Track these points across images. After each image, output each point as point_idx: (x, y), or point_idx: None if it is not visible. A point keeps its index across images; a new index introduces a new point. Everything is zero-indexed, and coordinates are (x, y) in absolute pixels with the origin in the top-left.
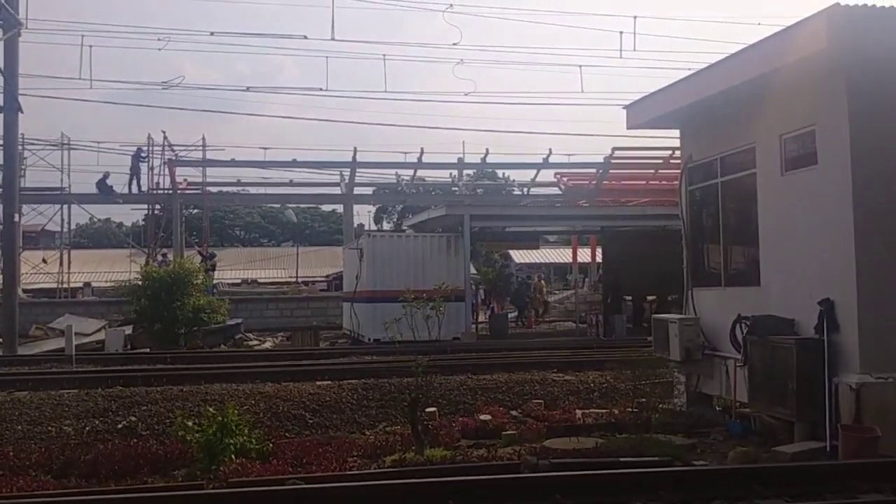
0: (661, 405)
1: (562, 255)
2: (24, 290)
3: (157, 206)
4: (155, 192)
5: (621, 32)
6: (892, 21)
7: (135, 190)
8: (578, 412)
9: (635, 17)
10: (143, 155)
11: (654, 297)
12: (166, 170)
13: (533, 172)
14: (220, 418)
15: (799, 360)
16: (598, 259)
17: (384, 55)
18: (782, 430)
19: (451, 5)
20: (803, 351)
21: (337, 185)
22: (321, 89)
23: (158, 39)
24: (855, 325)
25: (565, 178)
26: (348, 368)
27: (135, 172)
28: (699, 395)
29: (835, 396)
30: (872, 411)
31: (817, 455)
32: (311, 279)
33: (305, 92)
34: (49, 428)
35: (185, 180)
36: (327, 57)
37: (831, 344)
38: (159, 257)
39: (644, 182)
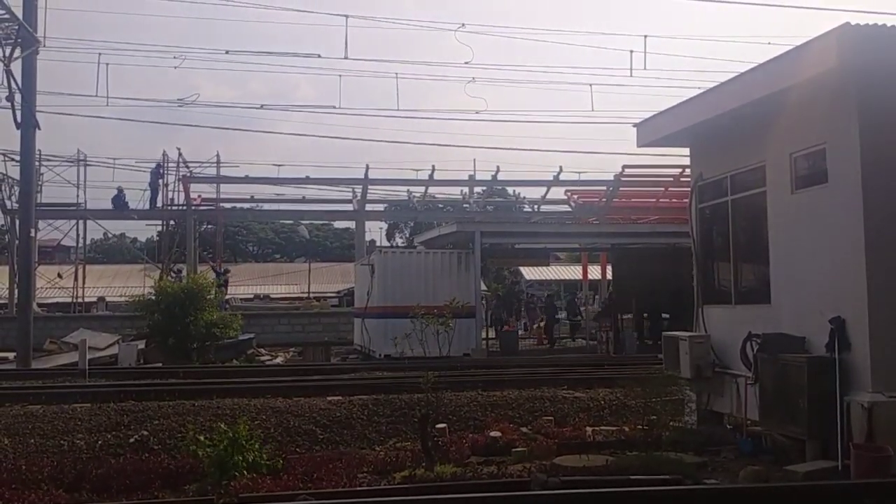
0: (671, 423)
1: (572, 273)
2: (39, 305)
3: (172, 222)
4: (169, 207)
5: (632, 51)
6: None
7: (158, 206)
8: (589, 429)
9: (645, 37)
10: (161, 171)
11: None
12: (181, 186)
13: (543, 190)
14: (231, 433)
15: (810, 379)
16: (609, 276)
17: (397, 73)
18: (794, 448)
19: (464, 24)
20: (814, 369)
21: (349, 201)
22: (334, 107)
23: (174, 57)
24: (866, 344)
25: (576, 196)
26: (359, 384)
27: (155, 188)
28: (710, 413)
29: (846, 415)
30: (884, 430)
31: (829, 474)
32: (322, 295)
33: (319, 110)
34: (61, 442)
35: (199, 196)
36: (340, 75)
37: (843, 362)
38: (173, 273)
39: (654, 200)
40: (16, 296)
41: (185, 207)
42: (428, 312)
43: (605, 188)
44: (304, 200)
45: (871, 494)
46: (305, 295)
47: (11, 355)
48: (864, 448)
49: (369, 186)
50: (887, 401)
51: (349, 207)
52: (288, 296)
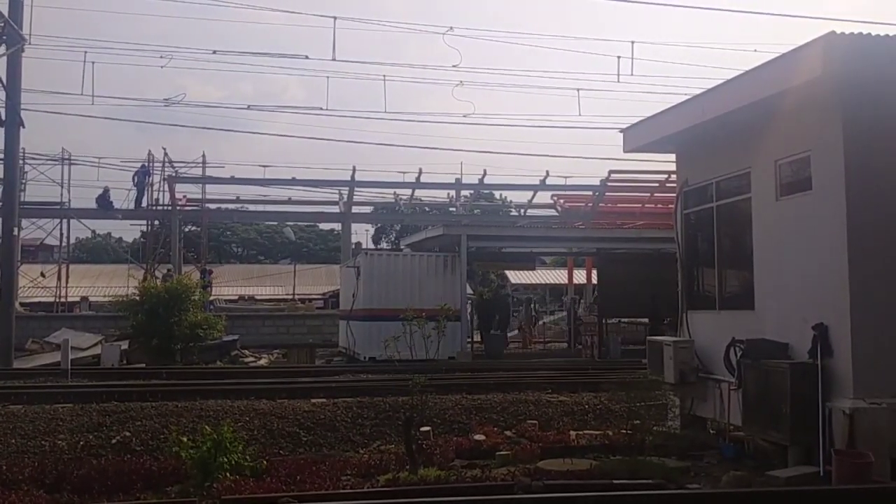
0: (655, 427)
1: (558, 277)
2: (22, 304)
3: (156, 222)
4: (154, 208)
5: (619, 57)
6: (887, 48)
7: (143, 206)
8: (573, 433)
9: (633, 42)
10: (148, 171)
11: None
12: (166, 186)
13: (530, 194)
14: (214, 435)
15: (793, 385)
16: (594, 280)
17: (384, 76)
18: (776, 454)
19: (452, 28)
20: (797, 375)
21: (335, 203)
22: (321, 109)
23: (161, 57)
24: (848, 350)
25: (562, 200)
26: (343, 386)
27: (140, 188)
28: (693, 418)
29: (828, 421)
30: (866, 436)
31: (811, 480)
32: (308, 297)
33: (306, 111)
34: (43, 442)
35: (185, 197)
36: (328, 77)
37: (825, 368)
38: (165, 270)
39: (640, 205)
40: None
41: (169, 208)
42: (417, 315)
43: (591, 193)
44: (289, 202)
45: (852, 500)
46: (290, 297)
47: None
48: (846, 454)
49: (356, 188)
50: (869, 407)
51: (335, 209)
52: (273, 297)
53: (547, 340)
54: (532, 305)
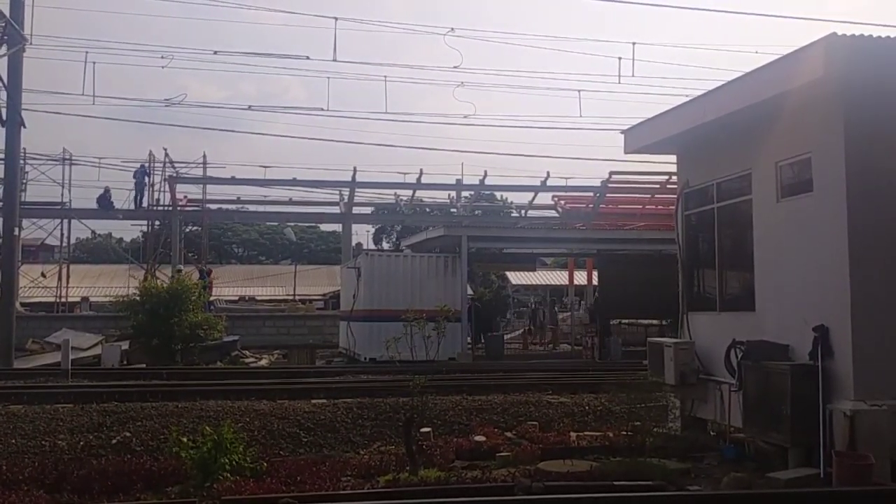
0: (655, 429)
1: (558, 278)
2: (22, 304)
3: (157, 223)
4: (155, 208)
5: (620, 58)
6: (888, 50)
7: (143, 206)
8: (573, 435)
9: (634, 44)
10: (147, 171)
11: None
12: (166, 186)
13: (531, 195)
14: (214, 436)
15: (793, 386)
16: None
17: (385, 77)
18: (776, 455)
19: (453, 29)
20: (798, 377)
21: (336, 204)
22: (322, 109)
23: (162, 57)
24: (849, 352)
25: (563, 201)
26: (344, 387)
27: (140, 189)
28: (693, 420)
29: (829, 423)
30: (866, 438)
31: (811, 482)
32: (308, 297)
33: (307, 112)
34: (43, 442)
35: (185, 197)
36: (329, 77)
37: (826, 370)
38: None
39: (641, 206)
40: None
41: (170, 208)
42: (418, 316)
43: (592, 194)
44: (290, 202)
45: (853, 502)
46: (291, 297)
47: None
48: (846, 456)
49: (357, 189)
50: (869, 409)
51: (336, 210)
52: (273, 298)
53: (547, 342)
54: (555, 308)
